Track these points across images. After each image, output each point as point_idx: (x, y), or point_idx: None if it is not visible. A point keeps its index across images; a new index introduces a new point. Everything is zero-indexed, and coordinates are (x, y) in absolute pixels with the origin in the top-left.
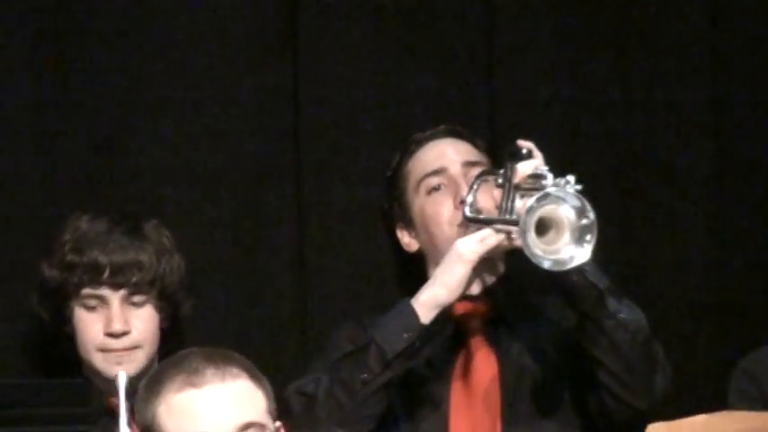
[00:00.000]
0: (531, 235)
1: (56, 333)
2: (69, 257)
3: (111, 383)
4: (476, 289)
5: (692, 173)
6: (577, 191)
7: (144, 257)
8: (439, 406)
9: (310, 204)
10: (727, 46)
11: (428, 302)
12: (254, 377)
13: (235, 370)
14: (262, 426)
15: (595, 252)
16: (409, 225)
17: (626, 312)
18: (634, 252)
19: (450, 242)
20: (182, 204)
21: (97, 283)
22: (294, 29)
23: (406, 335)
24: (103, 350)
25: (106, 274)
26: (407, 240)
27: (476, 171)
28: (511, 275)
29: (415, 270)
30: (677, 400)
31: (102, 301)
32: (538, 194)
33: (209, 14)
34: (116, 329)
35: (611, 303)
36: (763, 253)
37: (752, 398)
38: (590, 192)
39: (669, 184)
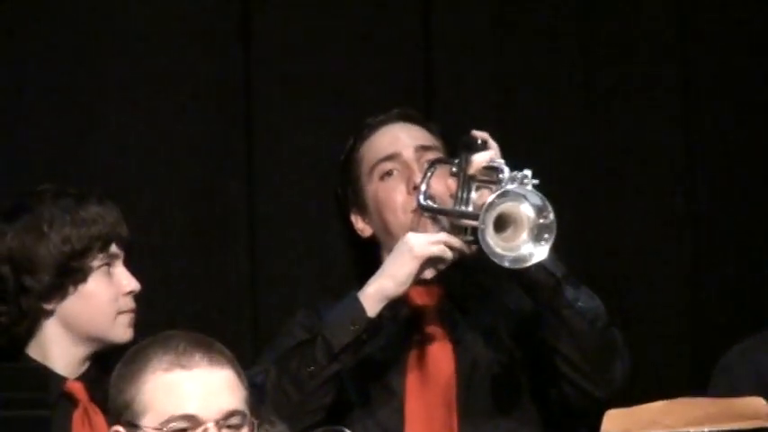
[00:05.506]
0: (491, 232)
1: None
2: (73, 230)
3: (74, 368)
4: (429, 274)
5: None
6: (535, 186)
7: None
8: (394, 394)
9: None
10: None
11: (375, 295)
12: (236, 367)
13: (221, 357)
14: (244, 415)
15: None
16: (363, 211)
17: (584, 300)
18: None
19: (404, 228)
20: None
21: (114, 243)
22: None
23: (352, 327)
24: (123, 312)
25: (122, 232)
26: (361, 226)
27: (429, 156)
28: (465, 257)
29: (369, 256)
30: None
31: (113, 261)
32: (497, 191)
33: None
34: (136, 287)
35: (569, 292)
36: None
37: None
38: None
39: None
